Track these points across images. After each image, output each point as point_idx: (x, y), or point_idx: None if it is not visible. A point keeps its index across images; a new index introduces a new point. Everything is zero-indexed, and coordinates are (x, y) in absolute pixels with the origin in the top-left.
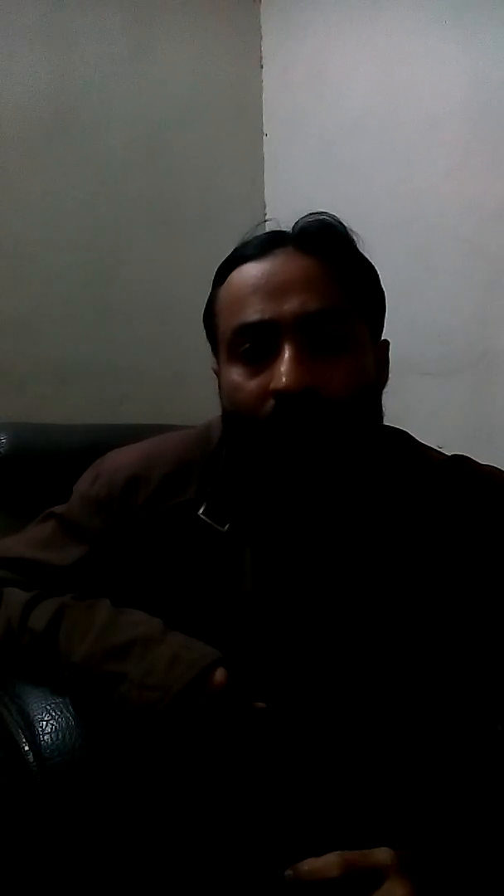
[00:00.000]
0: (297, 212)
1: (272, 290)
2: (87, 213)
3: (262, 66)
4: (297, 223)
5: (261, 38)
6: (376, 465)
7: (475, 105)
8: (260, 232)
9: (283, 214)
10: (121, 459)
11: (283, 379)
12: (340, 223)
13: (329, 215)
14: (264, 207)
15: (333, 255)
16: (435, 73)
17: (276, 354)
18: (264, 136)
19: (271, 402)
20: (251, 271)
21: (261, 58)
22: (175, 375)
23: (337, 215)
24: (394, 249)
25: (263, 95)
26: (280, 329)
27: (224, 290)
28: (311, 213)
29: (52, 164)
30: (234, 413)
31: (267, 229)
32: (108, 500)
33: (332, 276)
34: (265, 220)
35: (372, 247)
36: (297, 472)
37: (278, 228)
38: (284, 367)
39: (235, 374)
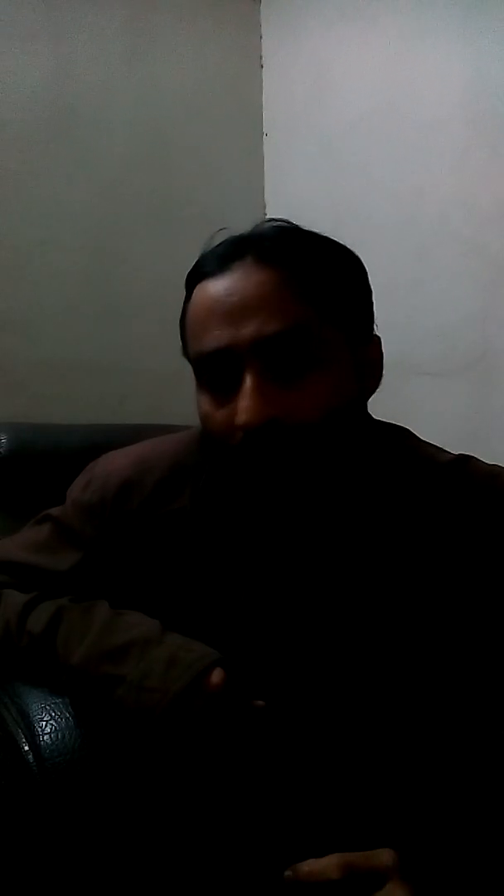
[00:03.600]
0: (297, 212)
1: (228, 312)
2: (87, 213)
3: (262, 66)
4: (254, 230)
5: (261, 38)
6: (363, 471)
7: (475, 105)
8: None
9: (282, 214)
10: (113, 464)
11: (244, 415)
12: (300, 228)
13: (287, 221)
14: (264, 207)
15: (296, 264)
16: (435, 73)
17: (239, 383)
18: (264, 136)
19: (239, 433)
20: (209, 291)
21: (261, 58)
22: (175, 375)
23: (336, 215)
24: (394, 249)
25: (263, 95)
26: (239, 355)
27: (189, 307)
28: (268, 220)
29: (51, 165)
30: (208, 438)
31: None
32: (101, 506)
33: (295, 287)
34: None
35: (372, 247)
36: (270, 499)
37: (235, 235)
38: (244, 402)
39: (204, 402)
